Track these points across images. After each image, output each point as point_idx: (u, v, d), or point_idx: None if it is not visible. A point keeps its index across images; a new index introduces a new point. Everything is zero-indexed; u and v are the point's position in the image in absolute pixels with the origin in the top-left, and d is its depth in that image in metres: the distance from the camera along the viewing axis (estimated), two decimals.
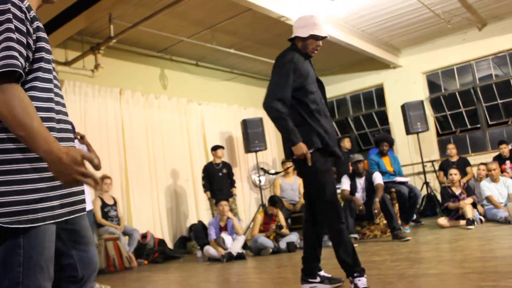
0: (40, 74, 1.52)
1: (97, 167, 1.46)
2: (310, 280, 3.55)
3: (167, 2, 6.70)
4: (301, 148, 3.29)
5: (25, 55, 1.44)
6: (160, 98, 8.87)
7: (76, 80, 7.57)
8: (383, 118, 11.06)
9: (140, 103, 8.50)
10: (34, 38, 1.51)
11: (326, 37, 3.55)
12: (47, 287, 1.49)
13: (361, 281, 3.26)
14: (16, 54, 1.38)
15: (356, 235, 6.46)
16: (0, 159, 1.42)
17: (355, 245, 6.01)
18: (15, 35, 1.40)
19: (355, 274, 3.29)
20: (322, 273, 3.57)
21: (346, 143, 9.63)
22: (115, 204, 7.38)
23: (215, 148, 8.42)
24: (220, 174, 8.25)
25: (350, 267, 3.31)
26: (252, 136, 9.21)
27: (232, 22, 7.84)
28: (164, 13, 6.88)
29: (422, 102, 9.57)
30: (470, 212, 6.65)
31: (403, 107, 9.40)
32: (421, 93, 10.29)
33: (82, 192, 1.67)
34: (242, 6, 6.84)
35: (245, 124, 9.29)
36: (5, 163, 1.42)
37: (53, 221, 1.49)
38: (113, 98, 8.05)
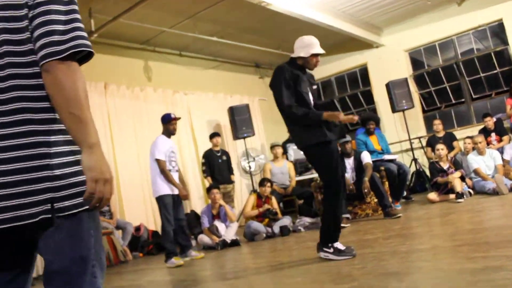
0: None
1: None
2: (324, 249, 3.78)
3: None
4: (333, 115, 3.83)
5: None
6: (145, 90, 8.75)
7: None
8: (369, 97, 11.06)
9: (126, 97, 8.37)
10: None
11: (324, 52, 4.06)
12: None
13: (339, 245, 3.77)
14: (86, 34, 1.32)
15: (348, 215, 6.46)
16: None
17: (347, 225, 6.12)
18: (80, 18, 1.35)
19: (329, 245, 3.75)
20: (336, 244, 3.78)
21: None
22: None
23: (211, 136, 8.48)
24: (220, 160, 8.31)
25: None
26: (239, 123, 9.15)
27: (213, 10, 7.72)
28: (144, 5, 6.77)
29: (406, 79, 9.57)
30: (459, 186, 6.68)
31: (387, 86, 9.39)
32: (404, 70, 10.27)
33: None
34: None
35: (232, 111, 9.21)
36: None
37: None
38: (98, 92, 7.91)
